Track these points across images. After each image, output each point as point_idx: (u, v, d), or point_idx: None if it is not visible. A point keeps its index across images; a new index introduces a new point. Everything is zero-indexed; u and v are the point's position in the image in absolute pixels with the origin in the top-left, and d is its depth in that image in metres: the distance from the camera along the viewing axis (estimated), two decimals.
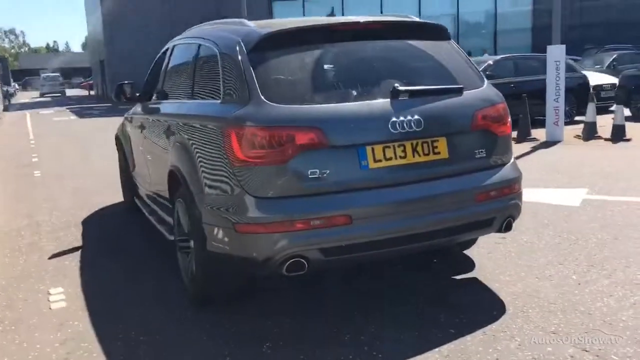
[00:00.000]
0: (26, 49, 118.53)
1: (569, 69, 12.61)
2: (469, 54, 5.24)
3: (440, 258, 4.55)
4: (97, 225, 6.25)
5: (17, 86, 62.72)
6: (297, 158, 3.17)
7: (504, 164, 3.69)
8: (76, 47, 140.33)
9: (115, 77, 34.38)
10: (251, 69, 3.36)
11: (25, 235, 5.96)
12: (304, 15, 30.92)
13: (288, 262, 3.18)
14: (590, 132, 10.80)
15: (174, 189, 4.12)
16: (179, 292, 4.08)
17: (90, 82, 56.80)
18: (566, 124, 11.29)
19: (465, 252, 4.59)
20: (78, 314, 3.90)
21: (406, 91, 3.37)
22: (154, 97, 5.24)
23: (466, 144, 3.55)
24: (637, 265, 4.24)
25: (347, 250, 3.26)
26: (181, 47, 4.84)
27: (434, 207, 3.40)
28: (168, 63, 4.97)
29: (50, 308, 4.04)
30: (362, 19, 3.73)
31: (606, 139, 10.47)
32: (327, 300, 3.93)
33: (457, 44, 4.05)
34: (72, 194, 7.95)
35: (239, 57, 3.45)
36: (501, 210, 3.62)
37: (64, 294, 4.27)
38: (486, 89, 3.75)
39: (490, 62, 13.74)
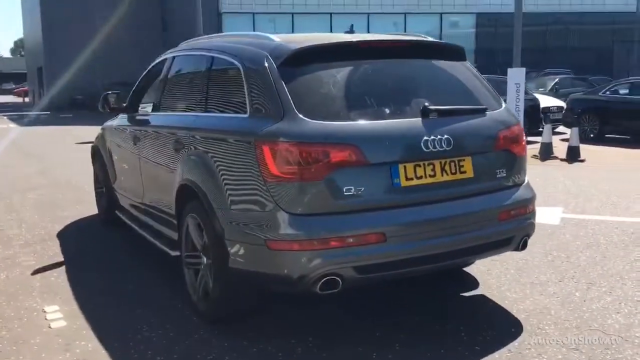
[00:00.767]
0: None
1: None
2: None
3: (441, 276, 4.56)
4: (74, 239, 5.99)
5: None
6: (333, 175, 3.15)
7: (521, 184, 3.78)
8: (4, 52, 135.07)
9: (54, 84, 33.28)
10: (283, 83, 3.32)
11: None
12: (253, 29, 30.88)
13: (322, 280, 3.14)
14: (546, 152, 11.24)
15: (183, 204, 4.00)
16: (184, 310, 3.98)
17: (25, 88, 54.63)
18: None
19: (464, 269, 4.65)
20: (82, 334, 3.72)
21: (436, 110, 3.42)
22: (147, 109, 5.09)
23: (489, 163, 3.63)
24: (632, 282, 4.41)
25: (380, 268, 3.26)
26: (184, 58, 4.73)
27: (462, 226, 3.45)
28: (167, 74, 4.83)
29: (50, 327, 3.83)
30: (387, 37, 3.76)
31: (562, 159, 10.92)
32: (347, 322, 3.89)
33: None
34: (35, 207, 7.59)
35: (269, 71, 3.40)
36: (519, 229, 3.70)
37: (60, 312, 4.05)
38: (504, 111, 3.85)
39: None
